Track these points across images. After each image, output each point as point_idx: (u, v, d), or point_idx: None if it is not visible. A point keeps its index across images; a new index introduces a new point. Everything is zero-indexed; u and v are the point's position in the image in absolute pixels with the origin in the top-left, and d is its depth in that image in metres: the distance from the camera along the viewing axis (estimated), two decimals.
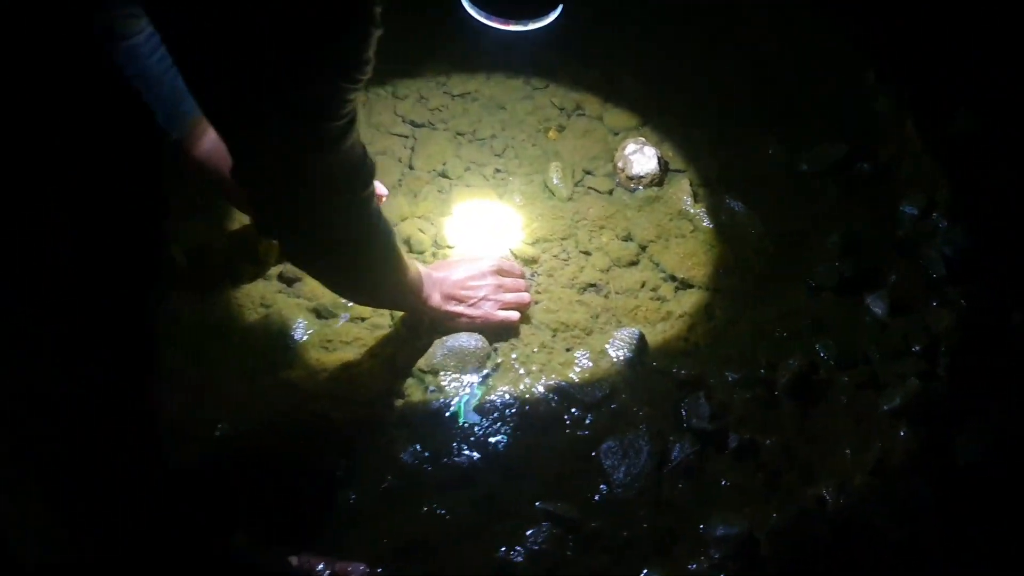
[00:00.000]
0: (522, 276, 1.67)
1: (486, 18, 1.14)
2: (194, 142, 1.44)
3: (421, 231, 1.77)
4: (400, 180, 1.86)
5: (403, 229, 1.76)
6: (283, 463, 1.41)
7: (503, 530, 1.37)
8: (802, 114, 2.02)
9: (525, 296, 1.63)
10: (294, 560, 1.25)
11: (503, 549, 1.35)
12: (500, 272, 1.61)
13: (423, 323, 1.58)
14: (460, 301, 1.56)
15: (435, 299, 1.52)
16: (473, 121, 1.99)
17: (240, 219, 1.74)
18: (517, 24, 1.16)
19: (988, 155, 1.86)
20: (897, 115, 2.00)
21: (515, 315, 1.60)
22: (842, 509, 1.38)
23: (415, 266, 1.46)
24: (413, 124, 1.98)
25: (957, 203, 1.80)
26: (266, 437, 1.44)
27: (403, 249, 1.71)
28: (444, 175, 1.89)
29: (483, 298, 1.57)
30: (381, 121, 1.98)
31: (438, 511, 1.38)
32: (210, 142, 1.44)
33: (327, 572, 1.25)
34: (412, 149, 1.93)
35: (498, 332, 1.60)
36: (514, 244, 1.76)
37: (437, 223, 1.79)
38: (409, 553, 1.33)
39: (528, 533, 1.36)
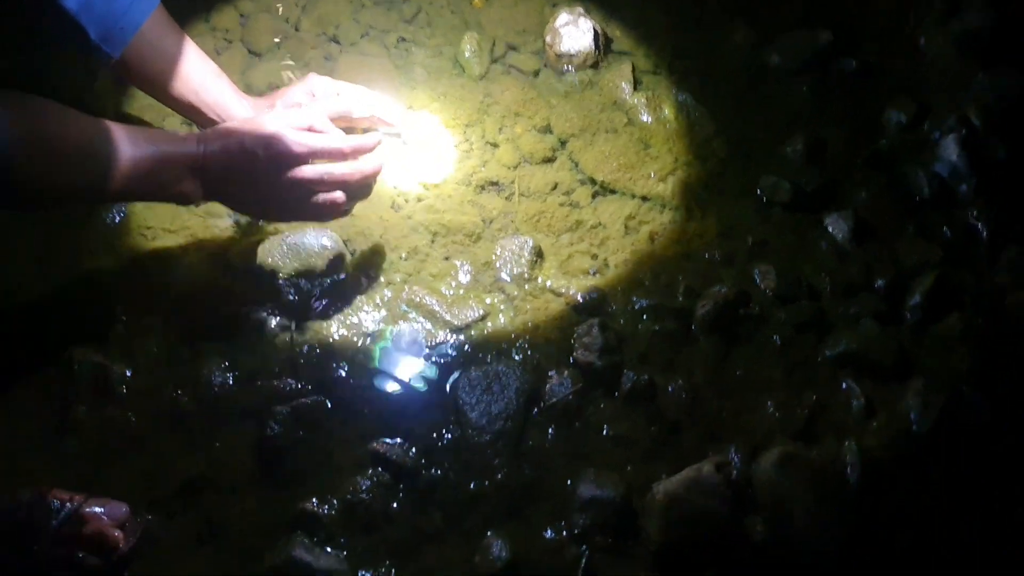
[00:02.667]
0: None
1: None
2: (140, 61, 1.19)
3: None
4: (279, 42, 1.53)
5: None
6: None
7: (323, 475, 1.09)
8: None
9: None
10: (26, 494, 0.98)
11: (313, 500, 1.06)
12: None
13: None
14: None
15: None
16: None
17: None
18: None
19: (1003, 58, 1.51)
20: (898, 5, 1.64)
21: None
22: (750, 481, 1.09)
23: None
24: None
25: (956, 114, 1.45)
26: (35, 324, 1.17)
27: None
28: (335, 40, 1.56)
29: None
30: None
31: (235, 447, 1.10)
32: (158, 56, 1.20)
33: (68, 509, 0.97)
34: (303, 8, 1.60)
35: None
36: (404, 129, 1.44)
37: None
38: (187, 495, 1.06)
39: (348, 480, 1.08)
